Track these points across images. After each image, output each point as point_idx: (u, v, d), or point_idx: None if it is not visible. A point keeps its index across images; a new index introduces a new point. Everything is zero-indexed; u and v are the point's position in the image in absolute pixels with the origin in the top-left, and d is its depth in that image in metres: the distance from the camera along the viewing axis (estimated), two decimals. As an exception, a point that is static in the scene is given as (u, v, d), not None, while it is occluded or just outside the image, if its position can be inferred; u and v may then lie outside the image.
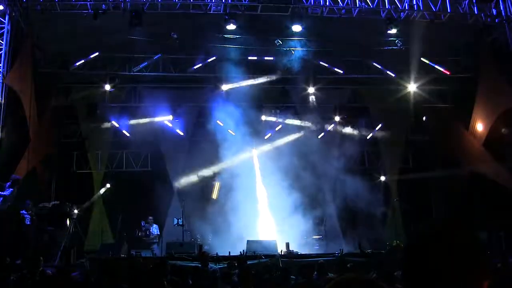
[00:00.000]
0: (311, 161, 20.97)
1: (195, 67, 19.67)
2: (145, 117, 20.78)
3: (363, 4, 16.70)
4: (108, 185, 21.04)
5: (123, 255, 14.86)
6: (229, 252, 15.04)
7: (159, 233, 19.18)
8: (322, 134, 22.36)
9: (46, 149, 19.37)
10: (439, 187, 22.71)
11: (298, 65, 19.26)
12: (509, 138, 17.70)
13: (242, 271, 9.77)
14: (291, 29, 16.99)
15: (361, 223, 20.24)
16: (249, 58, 19.45)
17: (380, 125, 22.94)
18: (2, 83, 15.25)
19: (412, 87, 20.19)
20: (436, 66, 19.83)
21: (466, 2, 17.09)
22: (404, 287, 1.78)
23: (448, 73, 19.91)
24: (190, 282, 9.07)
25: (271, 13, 16.89)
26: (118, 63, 19.45)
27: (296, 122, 21.98)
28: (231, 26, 16.58)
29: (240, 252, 15.11)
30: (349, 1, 16.61)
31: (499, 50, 17.83)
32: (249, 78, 20.07)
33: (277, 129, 22.18)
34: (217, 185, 20.51)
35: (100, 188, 21.26)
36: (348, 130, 22.37)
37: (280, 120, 21.97)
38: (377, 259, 14.05)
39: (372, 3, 16.75)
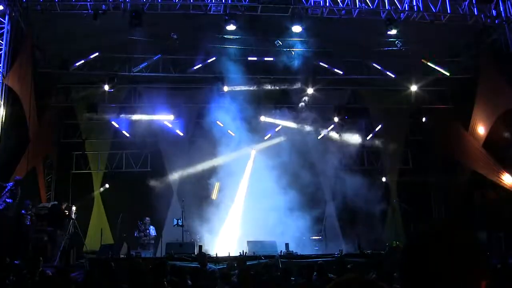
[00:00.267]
0: (310, 161, 21.04)
1: (195, 68, 19.67)
2: (145, 117, 20.74)
3: (363, 5, 16.70)
4: (107, 185, 21.03)
5: (123, 256, 14.85)
6: (229, 253, 15.06)
7: (156, 234, 19.16)
8: (322, 134, 22.34)
9: (46, 149, 19.40)
10: (439, 187, 22.74)
11: (298, 66, 19.25)
12: (509, 139, 17.71)
13: (241, 271, 9.77)
14: (291, 29, 16.99)
15: (361, 223, 20.23)
16: (249, 58, 19.45)
17: (380, 126, 22.96)
18: (2, 83, 15.24)
19: (412, 88, 20.20)
20: (436, 67, 19.82)
21: (466, 3, 17.09)
22: (402, 287, 1.77)
23: (448, 74, 19.90)
24: (189, 282, 9.06)
25: (271, 14, 16.89)
26: (118, 64, 19.43)
27: (296, 122, 21.92)
28: (231, 27, 16.59)
29: (240, 252, 15.11)
30: (349, 2, 16.61)
31: (499, 51, 17.83)
32: (249, 78, 20.06)
33: (277, 129, 22.17)
34: (217, 185, 20.50)
35: (99, 188, 21.29)
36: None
37: (279, 120, 21.95)
38: (376, 259, 14.03)
39: (372, 4, 16.75)
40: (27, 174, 16.59)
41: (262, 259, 13.94)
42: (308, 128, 21.82)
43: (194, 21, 16.93)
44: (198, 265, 12.36)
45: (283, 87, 21.13)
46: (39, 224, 15.31)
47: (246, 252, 15.11)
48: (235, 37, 17.56)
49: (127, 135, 21.43)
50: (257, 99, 21.03)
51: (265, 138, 22.07)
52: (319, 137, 22.26)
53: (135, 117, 20.73)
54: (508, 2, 17.22)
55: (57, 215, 15.90)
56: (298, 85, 20.63)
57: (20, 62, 15.85)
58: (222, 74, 19.39)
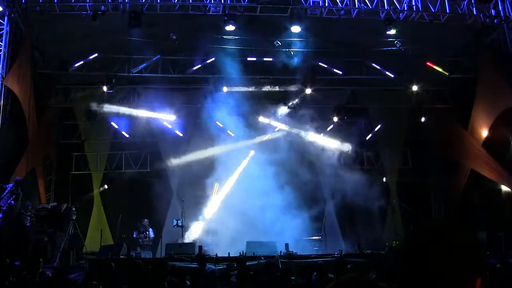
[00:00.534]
0: (310, 161, 21.03)
1: (194, 68, 19.69)
2: (145, 118, 20.71)
3: (362, 5, 16.72)
4: (105, 186, 20.99)
5: (123, 257, 14.85)
6: (229, 253, 15.06)
7: (154, 235, 19.14)
8: (322, 134, 22.33)
9: (45, 150, 19.39)
10: (439, 187, 22.74)
11: (297, 66, 19.25)
12: (508, 138, 17.73)
13: (240, 271, 9.77)
14: (290, 30, 17.00)
15: (361, 223, 20.25)
16: (248, 59, 19.46)
17: (379, 126, 22.95)
18: (1, 84, 15.26)
19: (411, 88, 20.20)
20: (436, 67, 19.83)
21: (465, 3, 17.10)
22: (401, 286, 1.77)
23: (447, 73, 19.91)
24: (188, 283, 9.06)
25: (270, 14, 16.89)
26: (117, 64, 19.43)
27: (295, 122, 21.91)
28: (230, 27, 16.60)
29: (240, 253, 15.10)
30: (348, 2, 16.61)
31: (498, 51, 17.84)
32: (248, 79, 20.08)
33: (276, 130, 22.15)
34: (216, 185, 20.50)
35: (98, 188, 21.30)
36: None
37: (279, 120, 21.94)
38: (376, 260, 14.03)
39: (371, 4, 16.77)
40: (26, 175, 16.60)
41: (262, 260, 13.93)
42: (307, 127, 21.79)
43: (193, 22, 16.93)
44: (197, 266, 12.36)
45: (282, 87, 21.11)
46: (39, 225, 15.31)
47: (245, 253, 15.11)
48: (234, 37, 17.57)
49: (127, 135, 21.43)
50: (257, 99, 21.03)
51: (265, 138, 22.03)
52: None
53: (135, 117, 20.70)
54: (507, 2, 17.24)
55: (57, 216, 15.90)
56: (297, 85, 20.63)
57: (19, 63, 15.86)
58: (221, 75, 19.41)
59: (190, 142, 21.52)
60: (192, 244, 16.64)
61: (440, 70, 19.85)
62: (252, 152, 21.35)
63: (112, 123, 21.08)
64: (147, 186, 20.35)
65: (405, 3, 16.90)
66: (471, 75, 19.40)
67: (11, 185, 14.30)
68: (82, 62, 18.90)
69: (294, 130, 21.76)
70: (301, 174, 19.84)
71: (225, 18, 16.40)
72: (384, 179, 22.66)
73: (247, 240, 16.34)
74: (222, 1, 16.50)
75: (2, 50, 15.45)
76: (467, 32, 18.23)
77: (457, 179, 20.46)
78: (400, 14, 16.97)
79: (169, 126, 21.18)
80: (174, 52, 19.12)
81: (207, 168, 20.48)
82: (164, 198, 20.43)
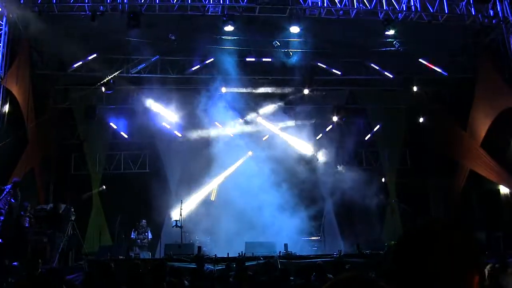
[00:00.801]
0: (309, 161, 21.04)
1: (193, 69, 19.71)
2: (144, 118, 20.69)
3: (360, 5, 16.71)
4: (103, 187, 20.95)
5: (122, 257, 14.84)
6: (228, 254, 15.06)
7: (151, 236, 19.10)
8: (320, 135, 22.36)
9: (44, 150, 19.34)
10: (438, 187, 22.75)
11: (296, 66, 19.27)
12: (507, 138, 17.76)
13: (238, 272, 9.78)
14: (289, 30, 17.00)
15: (360, 224, 20.26)
16: (247, 59, 19.47)
17: (378, 126, 22.97)
18: (0, 84, 15.23)
19: (410, 88, 20.20)
20: (434, 67, 19.85)
21: (464, 3, 17.12)
22: (395, 284, 1.76)
23: (446, 74, 19.94)
24: (187, 283, 9.07)
25: (269, 15, 16.89)
26: (116, 65, 19.42)
27: (294, 123, 21.93)
28: (229, 28, 16.59)
29: (239, 253, 15.11)
30: (346, 2, 16.61)
31: (497, 51, 17.87)
32: (247, 79, 20.09)
33: (274, 130, 22.15)
34: (215, 186, 20.50)
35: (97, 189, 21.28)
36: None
37: (278, 121, 21.95)
38: (375, 260, 14.05)
39: (370, 4, 16.77)
40: (25, 175, 16.58)
41: (261, 260, 13.94)
42: (306, 127, 21.81)
43: (192, 22, 16.92)
44: (196, 266, 12.37)
45: (281, 87, 21.13)
46: (37, 226, 15.29)
47: (244, 253, 15.12)
48: (233, 38, 17.57)
49: (125, 136, 21.41)
50: (255, 100, 21.05)
51: (263, 139, 22.05)
52: (317, 138, 22.27)
53: (133, 118, 20.70)
54: (506, 2, 17.26)
55: (55, 217, 15.89)
56: (296, 86, 20.65)
57: (18, 64, 15.85)
58: (220, 75, 19.41)
59: (189, 142, 21.49)
60: (191, 245, 16.65)
61: (438, 70, 19.88)
62: (250, 153, 21.34)
63: (111, 124, 21.05)
64: (146, 187, 20.33)
65: (404, 3, 16.91)
66: (469, 75, 19.43)
67: (9, 186, 14.28)
68: (81, 62, 18.88)
69: (293, 131, 21.72)
70: (300, 177, 19.89)
71: (224, 18, 16.40)
72: (383, 179, 22.68)
73: (246, 240, 16.36)
74: (221, 2, 16.50)
75: (1, 51, 15.44)
76: (466, 33, 18.24)
77: (456, 180, 20.50)
78: (399, 15, 16.97)
79: (168, 126, 21.16)
80: (173, 53, 19.11)
81: (206, 169, 20.49)
82: (163, 198, 20.42)
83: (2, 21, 15.60)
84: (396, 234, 19.71)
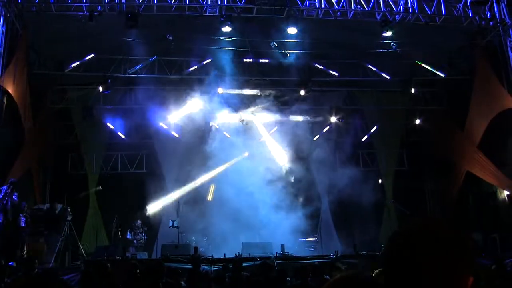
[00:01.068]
0: (306, 163, 21.05)
1: (190, 69, 19.71)
2: (141, 118, 20.69)
3: (358, 6, 16.73)
4: (100, 187, 20.92)
5: (118, 258, 14.82)
6: (224, 254, 15.06)
7: (146, 237, 19.06)
8: (317, 136, 22.36)
9: (41, 150, 19.32)
10: (435, 188, 22.79)
11: (294, 67, 19.28)
12: (504, 140, 17.79)
13: (233, 272, 9.78)
14: (287, 31, 17.01)
15: (356, 225, 20.28)
16: (245, 60, 19.48)
17: (375, 127, 22.99)
18: (-3, 84, 15.21)
19: (407, 89, 20.23)
20: (431, 69, 19.88)
21: (461, 5, 17.14)
22: (386, 281, 1.75)
23: (443, 75, 19.97)
24: (183, 284, 9.06)
25: (266, 15, 16.89)
26: (114, 65, 19.41)
27: (292, 123, 21.92)
28: (226, 28, 16.60)
29: (235, 254, 15.11)
30: (344, 4, 16.62)
31: (494, 53, 17.90)
32: (244, 80, 20.12)
33: (272, 131, 22.14)
34: (212, 187, 20.49)
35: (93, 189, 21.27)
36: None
37: (275, 121, 21.94)
38: (372, 260, 14.05)
39: (367, 6, 16.78)
40: (22, 175, 16.55)
41: (258, 261, 13.95)
42: (303, 128, 21.80)
43: (189, 23, 16.92)
44: (191, 267, 12.36)
45: (278, 88, 21.15)
46: (34, 226, 15.26)
47: (241, 254, 15.12)
48: (230, 38, 17.58)
49: (123, 136, 21.38)
50: (253, 100, 21.06)
51: (260, 140, 22.04)
52: (314, 139, 22.27)
53: (131, 118, 20.69)
54: (503, 4, 17.29)
55: (52, 217, 15.87)
56: (293, 87, 20.66)
57: (15, 63, 15.80)
58: (217, 76, 19.41)
59: (186, 143, 21.46)
60: (188, 245, 16.63)
61: (436, 72, 19.91)
62: (246, 154, 21.33)
63: (108, 124, 21.03)
64: (143, 187, 20.32)
65: (401, 5, 16.93)
66: (467, 77, 19.45)
67: (5, 187, 14.24)
68: (78, 62, 18.88)
69: (291, 132, 21.70)
70: (298, 178, 19.91)
71: (222, 19, 16.41)
72: (380, 180, 22.69)
73: (243, 241, 16.37)
74: (219, 2, 16.50)
75: (-2, 50, 15.41)
76: (463, 34, 18.27)
77: (453, 181, 20.52)
78: (396, 16, 16.99)
79: (165, 127, 21.15)
80: (170, 53, 19.10)
81: (203, 169, 20.50)
82: (160, 199, 20.42)
83: (0, 21, 15.57)
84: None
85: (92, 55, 18.78)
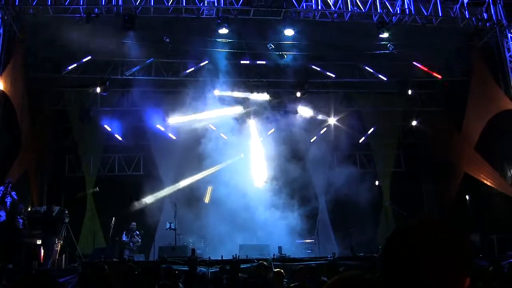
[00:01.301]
0: (303, 164, 21.05)
1: (187, 71, 19.71)
2: (138, 120, 20.69)
3: (355, 8, 16.76)
4: (96, 188, 20.87)
5: (115, 259, 14.81)
6: (222, 256, 15.05)
7: (141, 239, 19.00)
8: (315, 137, 22.35)
9: (38, 152, 19.29)
10: (432, 190, 22.80)
11: (291, 69, 19.29)
12: (501, 141, 17.81)
13: (230, 274, 9.78)
14: (284, 33, 17.03)
15: (354, 226, 20.27)
16: (242, 62, 19.50)
17: (372, 129, 22.99)
18: (-5, 86, 15.20)
19: (404, 91, 20.25)
20: (428, 70, 19.91)
21: (458, 6, 17.19)
22: (384, 281, 1.75)
23: (440, 76, 19.99)
24: (181, 285, 9.06)
25: (263, 17, 16.90)
26: (111, 67, 19.40)
27: (289, 124, 21.90)
28: (223, 30, 16.62)
29: (233, 256, 15.09)
30: (341, 5, 16.66)
31: (490, 54, 17.94)
32: (241, 82, 20.16)
33: (269, 133, 22.11)
34: (209, 189, 20.47)
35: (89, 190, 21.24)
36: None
37: (272, 123, 21.92)
38: (369, 262, 14.05)
39: (364, 7, 16.81)
40: (19, 177, 16.52)
41: (255, 263, 13.94)
42: (301, 129, 21.79)
43: (186, 25, 16.93)
44: (188, 269, 12.35)
45: (275, 89, 21.16)
46: (31, 228, 15.22)
47: (239, 256, 15.12)
48: (227, 40, 17.60)
49: (120, 138, 21.35)
50: (249, 101, 21.07)
51: (258, 140, 22.03)
52: (311, 140, 22.25)
53: (128, 120, 20.68)
54: (499, 5, 17.35)
55: (49, 219, 15.84)
56: (290, 88, 20.68)
57: (12, 66, 15.81)
58: (214, 78, 19.41)
59: (183, 145, 21.43)
60: (185, 247, 16.61)
61: (432, 73, 19.93)
62: (242, 155, 21.33)
63: (105, 126, 21.00)
64: (140, 189, 20.30)
65: (398, 6, 16.96)
66: (464, 78, 19.48)
67: (2, 188, 14.22)
68: (75, 64, 18.83)
69: (288, 133, 21.69)
70: (296, 179, 19.92)
71: (219, 21, 16.43)
72: (377, 182, 22.69)
73: (240, 243, 16.37)
74: (216, 4, 16.52)
75: (-4, 52, 15.41)
76: (460, 36, 18.32)
77: (451, 182, 20.53)
78: (393, 18, 17.02)
79: (162, 129, 21.14)
80: (167, 55, 19.07)
81: (200, 171, 20.49)
82: (157, 201, 20.41)
83: (-3, 23, 15.58)
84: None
85: (89, 57, 18.74)
